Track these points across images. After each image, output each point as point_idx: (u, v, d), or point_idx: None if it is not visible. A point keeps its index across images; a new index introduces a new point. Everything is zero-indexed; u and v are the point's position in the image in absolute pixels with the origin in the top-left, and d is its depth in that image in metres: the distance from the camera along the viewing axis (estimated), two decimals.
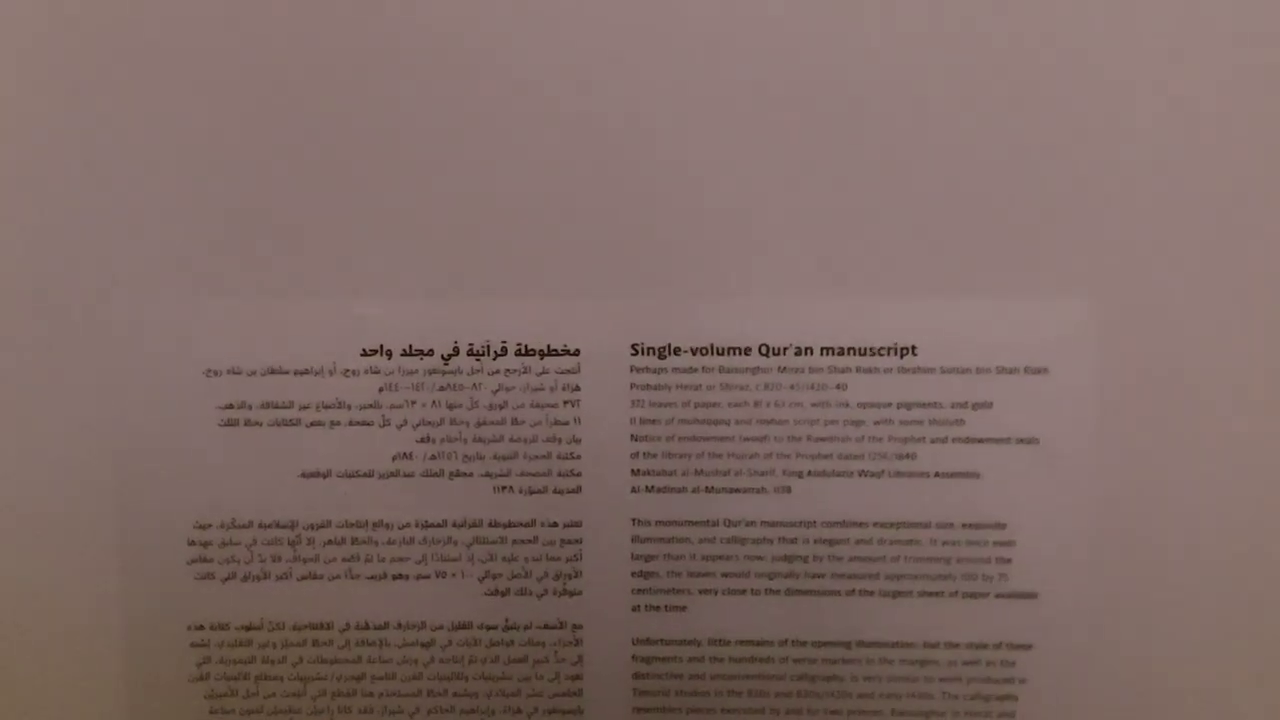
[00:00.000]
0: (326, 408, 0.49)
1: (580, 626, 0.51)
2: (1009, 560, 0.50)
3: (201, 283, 0.48)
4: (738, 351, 0.50)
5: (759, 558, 0.50)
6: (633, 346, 0.49)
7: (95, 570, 0.50)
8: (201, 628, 0.50)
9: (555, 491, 0.50)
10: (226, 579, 0.50)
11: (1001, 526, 0.50)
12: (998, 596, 0.50)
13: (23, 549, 0.50)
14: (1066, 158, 0.48)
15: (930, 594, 0.50)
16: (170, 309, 0.48)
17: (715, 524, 0.50)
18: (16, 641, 0.50)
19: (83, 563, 0.50)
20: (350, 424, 0.49)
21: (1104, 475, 0.49)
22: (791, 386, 0.50)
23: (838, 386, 0.50)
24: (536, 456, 0.50)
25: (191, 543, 0.50)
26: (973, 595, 0.50)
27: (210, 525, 0.49)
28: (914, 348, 0.49)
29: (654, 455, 0.50)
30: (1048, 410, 0.49)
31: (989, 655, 0.50)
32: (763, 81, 0.48)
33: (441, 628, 0.50)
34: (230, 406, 0.49)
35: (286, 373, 0.49)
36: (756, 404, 0.50)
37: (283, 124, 0.48)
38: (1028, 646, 0.50)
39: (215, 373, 0.49)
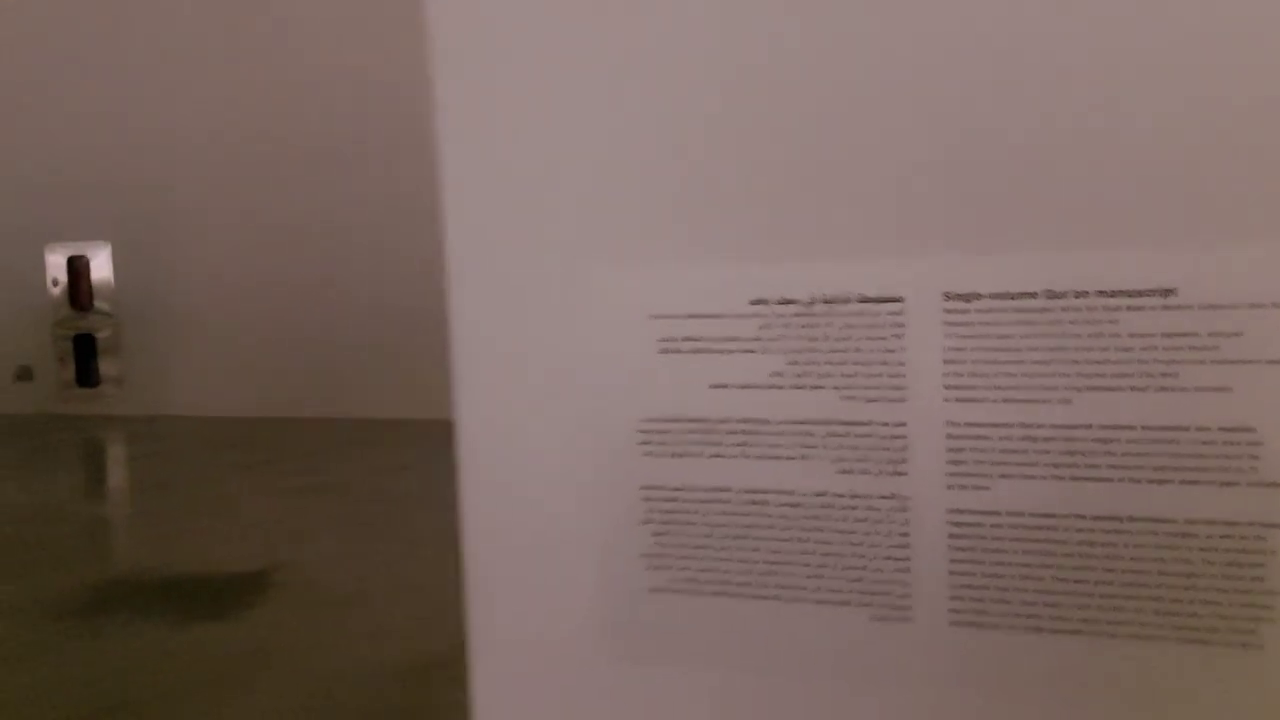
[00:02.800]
0: (726, 340, 0.72)
1: (907, 498, 0.70)
2: (1257, 457, 0.62)
3: (648, 253, 0.73)
4: (1027, 296, 0.66)
5: (1047, 451, 0.67)
6: (944, 294, 0.67)
7: (579, 448, 0.76)
8: (648, 488, 0.75)
9: (887, 400, 0.69)
10: (663, 456, 0.74)
11: (1251, 430, 0.62)
12: (1249, 485, 0.63)
13: (535, 436, 0.77)
14: None
15: (1189, 482, 0.64)
16: (627, 272, 0.73)
17: (1011, 426, 0.67)
18: (541, 500, 0.78)
19: (569, 442, 0.76)
20: (742, 351, 0.72)
21: None
22: (1071, 322, 0.65)
23: (1110, 321, 0.64)
24: (872, 375, 0.69)
25: (641, 431, 0.75)
26: (1226, 484, 0.63)
27: (653, 419, 0.74)
28: (1174, 289, 0.63)
29: (961, 375, 0.68)
30: None
31: (1241, 531, 0.63)
32: (1037, 49, 0.64)
33: (806, 494, 0.72)
34: (665, 339, 0.73)
35: (701, 316, 0.72)
36: (1043, 335, 0.66)
37: (682, 126, 0.71)
38: (1277, 525, 0.62)
39: (655, 317, 0.73)
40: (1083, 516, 0.67)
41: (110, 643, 2.89)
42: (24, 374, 6.61)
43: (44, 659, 2.77)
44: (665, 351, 0.73)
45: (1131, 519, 0.65)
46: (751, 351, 0.72)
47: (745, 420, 0.72)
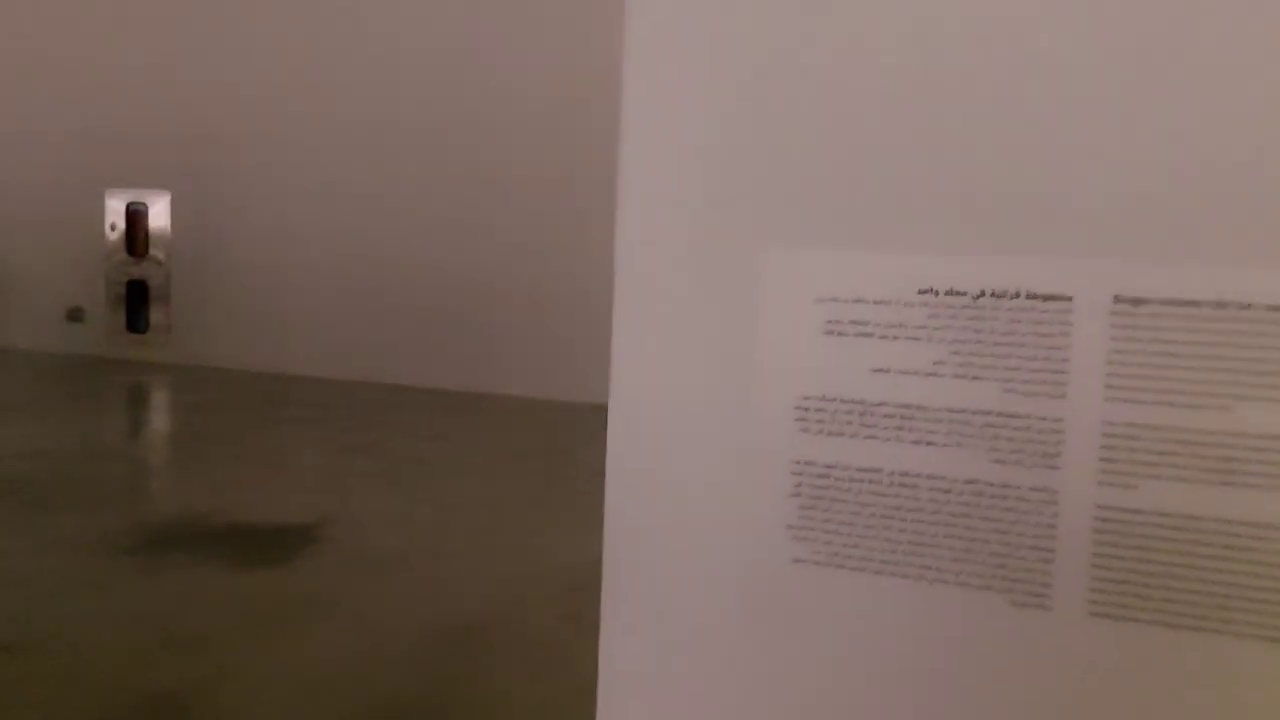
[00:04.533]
0: (891, 327, 0.75)
1: (1057, 491, 0.72)
2: None
3: (819, 236, 0.76)
4: (1194, 304, 0.68)
5: (1200, 455, 0.69)
6: (1114, 297, 0.70)
7: (734, 419, 0.79)
8: (799, 463, 0.78)
9: (1046, 396, 0.72)
10: (816, 433, 0.78)
11: None
12: None
13: (692, 404, 0.81)
14: None
15: None
16: (798, 258, 0.76)
17: (1167, 429, 0.70)
18: (689, 466, 0.81)
19: (725, 413, 0.80)
20: (907, 339, 0.75)
21: None
22: (1237, 333, 0.68)
23: (1276, 334, 0.67)
24: (1034, 370, 0.72)
25: (797, 408, 0.78)
26: None
27: (810, 398, 0.77)
28: None
29: (1123, 376, 0.70)
30: None
31: None
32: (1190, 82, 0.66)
33: (957, 480, 0.75)
34: (830, 322, 0.76)
35: (867, 301, 0.75)
36: (1208, 344, 0.68)
37: (862, 111, 0.74)
38: None
39: (822, 300, 0.76)
40: (1229, 520, 0.69)
41: (169, 581, 2.96)
42: (75, 314, 6.72)
43: (108, 592, 2.85)
44: (830, 334, 0.77)
45: (1256, 525, 0.68)
46: (916, 339, 0.75)
47: (903, 405, 0.75)
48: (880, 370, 0.76)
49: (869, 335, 0.76)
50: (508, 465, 4.74)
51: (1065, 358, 0.71)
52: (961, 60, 0.73)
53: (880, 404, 0.76)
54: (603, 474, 0.85)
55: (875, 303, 0.75)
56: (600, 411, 0.92)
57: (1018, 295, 0.72)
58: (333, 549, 3.42)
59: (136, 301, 6.58)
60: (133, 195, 6.51)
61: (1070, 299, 0.71)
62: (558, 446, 4.99)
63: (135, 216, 6.52)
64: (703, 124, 0.79)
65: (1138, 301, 0.70)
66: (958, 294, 0.73)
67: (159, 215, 6.48)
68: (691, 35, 0.79)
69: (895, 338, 0.75)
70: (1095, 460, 0.72)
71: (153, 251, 6.54)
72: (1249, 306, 0.68)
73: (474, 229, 6.38)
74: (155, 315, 6.59)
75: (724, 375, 0.80)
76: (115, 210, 6.56)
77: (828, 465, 0.78)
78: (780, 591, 0.80)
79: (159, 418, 6.01)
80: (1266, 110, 0.67)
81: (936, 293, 0.74)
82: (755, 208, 0.78)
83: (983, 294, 0.73)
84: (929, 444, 0.75)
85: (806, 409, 0.78)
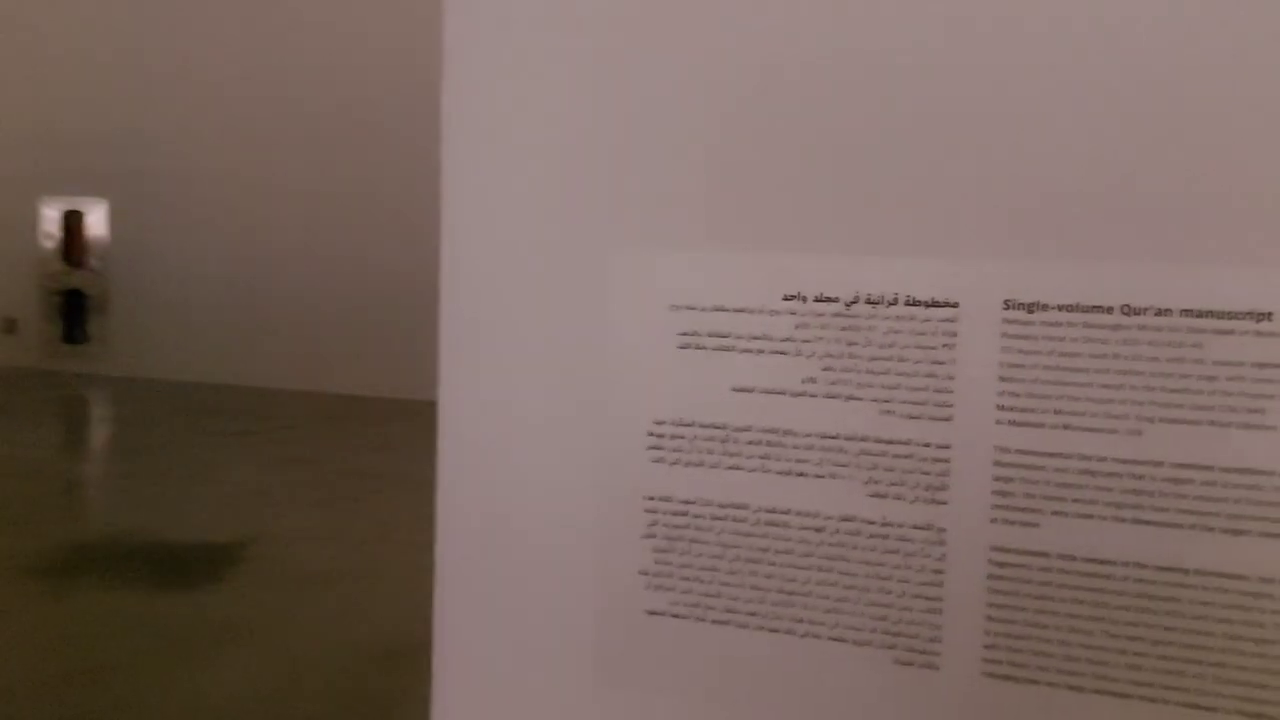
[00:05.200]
0: (755, 339, 0.64)
1: (945, 530, 0.62)
2: None
3: (671, 236, 0.65)
4: (1099, 310, 0.58)
5: (1108, 488, 0.59)
6: (1005, 302, 0.59)
7: (577, 449, 0.68)
8: (653, 499, 0.67)
9: (931, 418, 0.61)
10: (673, 464, 0.67)
11: None
12: None
13: (522, 438, 0.69)
14: None
15: (1269, 535, 0.56)
16: (646, 256, 0.65)
17: (1069, 456, 0.59)
18: (530, 505, 0.70)
19: (566, 441, 0.68)
20: (772, 353, 0.64)
21: None
22: (1149, 343, 0.57)
23: (1194, 345, 0.57)
24: (916, 389, 0.61)
25: (650, 434, 0.67)
26: None
27: (664, 422, 0.66)
28: (1270, 314, 0.55)
29: (1017, 395, 0.60)
30: None
31: None
32: (1149, 77, 0.56)
33: (831, 518, 0.64)
34: (685, 333, 0.65)
35: (727, 310, 0.64)
36: (1115, 356, 0.58)
37: (717, 95, 0.63)
38: None
39: (677, 308, 0.65)
40: (1143, 565, 0.59)
41: (80, 607, 2.81)
42: (8, 325, 6.51)
43: (13, 620, 2.69)
44: (685, 347, 0.66)
45: (1200, 572, 0.58)
46: (782, 353, 0.64)
47: (769, 430, 0.64)
48: (743, 389, 0.65)
49: (729, 349, 0.65)
50: None
51: (951, 374, 0.61)
52: (831, 41, 0.62)
53: (744, 429, 0.65)
54: None
55: (736, 311, 0.64)
56: None
57: (896, 301, 0.61)
58: (259, 568, 3.28)
59: (73, 312, 6.37)
60: (69, 204, 6.31)
61: (955, 305, 0.60)
62: None
63: (72, 225, 6.31)
64: (535, 115, 0.68)
65: (1032, 307, 0.59)
66: (828, 300, 0.63)
67: (96, 223, 6.28)
68: (515, 20, 0.67)
69: (759, 351, 0.64)
70: (988, 494, 0.61)
71: (90, 260, 6.34)
72: (1164, 312, 0.57)
73: (420, 234, 6.25)
74: (92, 326, 6.38)
75: (566, 396, 0.68)
76: (51, 219, 6.34)
77: (685, 501, 0.67)
78: (634, 647, 0.68)
79: (90, 432, 5.81)
80: (1176, 89, 0.57)
81: (804, 299, 0.63)
82: (596, 203, 0.67)
83: (856, 300, 0.62)
84: (799, 475, 0.64)
85: (661, 435, 0.67)
